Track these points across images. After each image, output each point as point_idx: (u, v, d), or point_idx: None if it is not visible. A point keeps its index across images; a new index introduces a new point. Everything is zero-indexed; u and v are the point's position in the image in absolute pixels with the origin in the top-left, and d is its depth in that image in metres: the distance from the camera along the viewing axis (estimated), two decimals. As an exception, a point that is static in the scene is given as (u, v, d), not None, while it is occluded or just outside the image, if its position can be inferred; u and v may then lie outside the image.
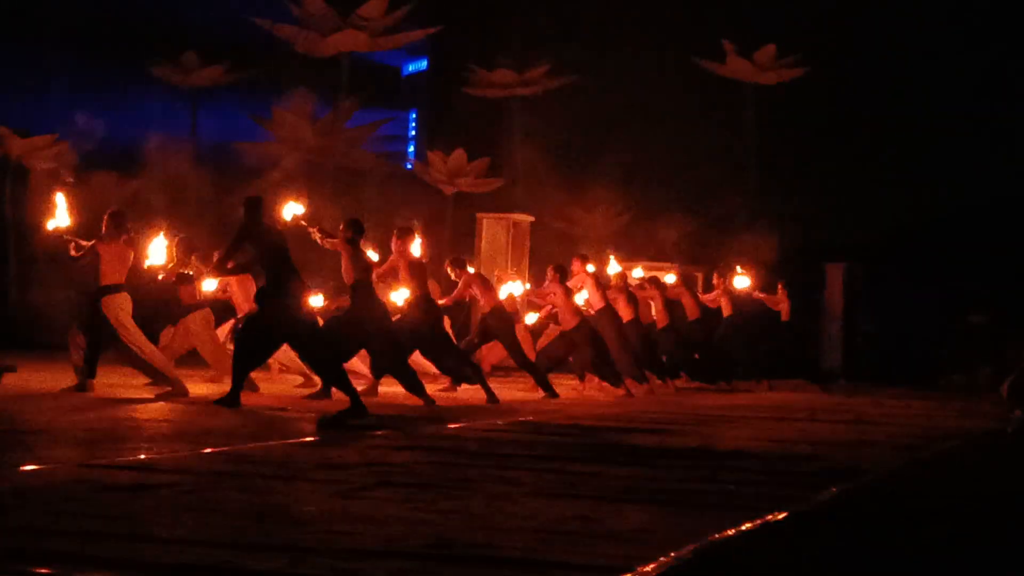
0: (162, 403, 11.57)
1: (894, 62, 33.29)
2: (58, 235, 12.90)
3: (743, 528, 5.40)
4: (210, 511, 5.43)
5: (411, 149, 41.61)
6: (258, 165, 33.70)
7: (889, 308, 27.05)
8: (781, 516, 5.81)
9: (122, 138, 32.61)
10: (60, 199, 12.97)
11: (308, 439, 8.77)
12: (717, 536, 5.16)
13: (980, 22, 32.55)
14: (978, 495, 7.44)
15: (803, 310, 23.59)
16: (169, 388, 12.39)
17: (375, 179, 34.29)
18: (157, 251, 13.12)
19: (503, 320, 15.30)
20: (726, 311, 20.30)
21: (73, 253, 12.74)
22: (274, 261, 11.51)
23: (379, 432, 9.52)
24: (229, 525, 5.10)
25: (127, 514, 5.27)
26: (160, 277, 13.32)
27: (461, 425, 10.52)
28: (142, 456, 7.23)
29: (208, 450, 7.70)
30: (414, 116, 42.27)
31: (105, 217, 12.73)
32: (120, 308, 12.42)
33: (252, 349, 11.62)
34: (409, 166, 38.36)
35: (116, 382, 13.07)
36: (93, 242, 12.54)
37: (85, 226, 13.15)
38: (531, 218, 24.48)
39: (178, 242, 13.57)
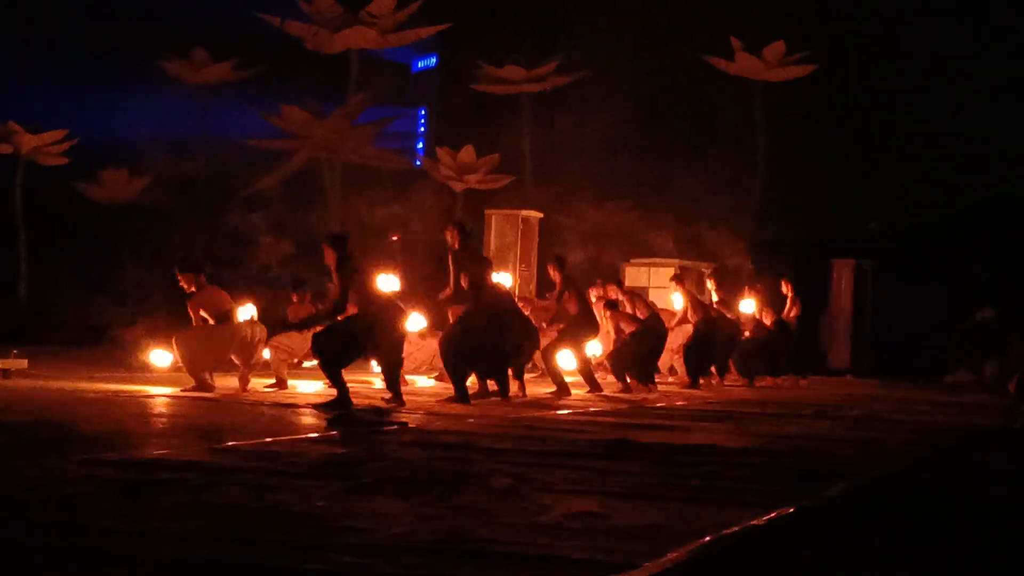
0: (170, 400, 11.61)
1: (903, 60, 33.26)
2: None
3: (750, 524, 5.42)
4: (219, 507, 5.46)
5: (420, 146, 41.68)
6: (267, 162, 33.76)
7: (896, 304, 27.05)
8: (787, 512, 5.82)
9: (131, 135, 32.66)
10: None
11: (317, 436, 8.80)
12: (724, 532, 5.18)
13: (989, 20, 32.51)
14: (985, 492, 7.45)
15: (811, 306, 23.63)
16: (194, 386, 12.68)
17: (384, 176, 34.34)
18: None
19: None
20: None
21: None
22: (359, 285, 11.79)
23: (388, 428, 9.56)
24: (238, 521, 5.13)
25: (136, 510, 5.30)
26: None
27: (470, 421, 10.55)
28: (151, 453, 7.25)
29: (217, 447, 7.73)
30: (423, 113, 42.32)
31: (189, 275, 12.90)
32: (203, 305, 12.67)
33: (341, 354, 11.85)
34: (418, 163, 38.43)
35: (124, 379, 13.10)
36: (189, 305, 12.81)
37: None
38: (540, 214, 24.50)
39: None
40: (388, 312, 12.01)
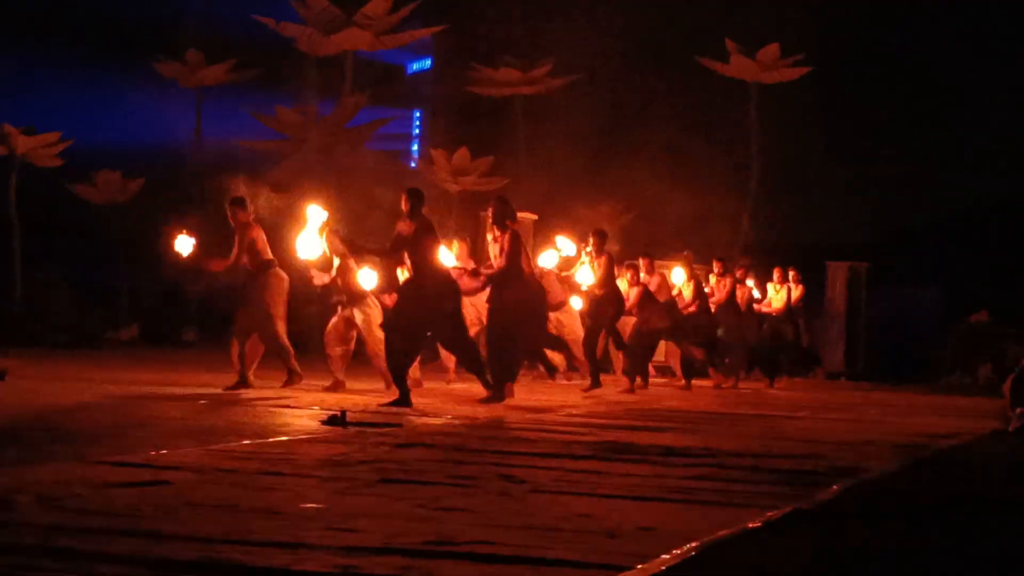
0: (165, 400, 11.60)
1: (897, 62, 33.31)
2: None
3: (745, 526, 5.42)
4: (213, 508, 5.45)
5: (415, 148, 41.66)
6: (262, 164, 33.71)
7: (890, 307, 27.05)
8: (783, 514, 5.82)
9: (126, 136, 32.63)
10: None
11: (310, 436, 8.79)
12: (719, 534, 5.18)
13: (982, 23, 32.55)
14: (979, 494, 7.45)
15: (805, 309, 23.63)
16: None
17: (379, 178, 34.30)
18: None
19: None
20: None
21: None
22: (426, 251, 11.86)
23: (381, 428, 9.54)
24: (232, 522, 5.12)
25: (130, 511, 5.28)
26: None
27: (463, 421, 10.54)
28: (147, 453, 7.24)
29: (211, 447, 7.72)
30: (418, 115, 42.30)
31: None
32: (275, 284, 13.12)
33: (403, 348, 11.83)
34: (413, 165, 38.41)
35: (119, 378, 13.08)
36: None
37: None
38: (535, 216, 24.47)
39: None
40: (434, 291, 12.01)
